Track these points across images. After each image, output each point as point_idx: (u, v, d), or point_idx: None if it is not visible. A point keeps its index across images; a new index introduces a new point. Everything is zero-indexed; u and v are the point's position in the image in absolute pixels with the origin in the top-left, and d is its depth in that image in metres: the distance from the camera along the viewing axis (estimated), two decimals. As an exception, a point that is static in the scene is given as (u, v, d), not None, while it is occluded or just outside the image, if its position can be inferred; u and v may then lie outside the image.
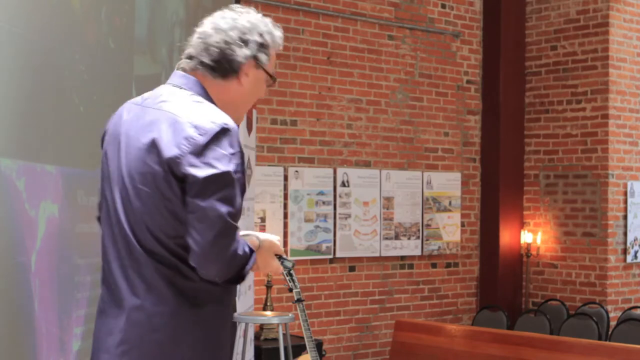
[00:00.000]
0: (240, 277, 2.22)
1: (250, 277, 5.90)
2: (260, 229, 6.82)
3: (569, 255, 8.26)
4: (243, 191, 2.21)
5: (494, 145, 8.47)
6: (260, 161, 6.93)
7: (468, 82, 8.48)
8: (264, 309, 6.34)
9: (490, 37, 8.54)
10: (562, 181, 8.35)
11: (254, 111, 6.17)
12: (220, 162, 2.13)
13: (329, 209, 7.46)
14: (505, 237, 8.44)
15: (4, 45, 2.46)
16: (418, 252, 8.05)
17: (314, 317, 7.31)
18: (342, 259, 7.57)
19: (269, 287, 6.46)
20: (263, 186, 6.98)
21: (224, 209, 2.11)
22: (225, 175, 2.13)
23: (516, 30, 8.61)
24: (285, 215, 7.19)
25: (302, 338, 5.45)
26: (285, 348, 5.40)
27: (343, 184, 7.56)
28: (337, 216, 7.50)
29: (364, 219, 7.68)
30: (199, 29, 2.34)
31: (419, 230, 8.06)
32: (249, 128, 5.81)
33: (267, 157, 7.12)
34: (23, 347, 2.56)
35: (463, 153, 8.45)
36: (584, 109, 8.20)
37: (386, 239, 7.81)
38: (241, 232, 2.25)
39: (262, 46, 2.32)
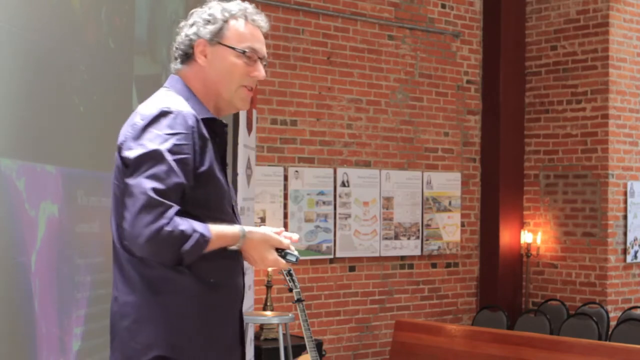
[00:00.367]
0: (181, 258, 2.16)
1: (250, 277, 5.89)
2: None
3: (569, 255, 8.26)
4: (186, 170, 2.18)
5: (494, 145, 8.47)
6: (260, 161, 6.93)
7: (468, 82, 8.48)
8: (264, 309, 6.35)
9: (490, 37, 8.54)
10: (562, 181, 8.35)
11: (254, 111, 6.17)
12: (153, 141, 2.17)
13: (329, 209, 7.46)
14: (505, 237, 8.44)
15: (4, 45, 2.46)
16: (418, 252, 8.05)
17: (314, 317, 7.31)
18: (342, 259, 7.57)
19: (269, 287, 6.46)
20: (263, 186, 6.98)
21: (149, 184, 2.12)
22: (153, 152, 2.15)
23: (516, 30, 8.61)
24: (285, 215, 7.19)
25: (302, 338, 5.45)
26: (285, 348, 5.40)
27: (343, 184, 7.56)
28: (337, 216, 7.50)
29: (364, 219, 7.68)
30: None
31: (418, 230, 8.06)
32: (249, 128, 5.81)
33: (267, 157, 7.12)
34: (23, 347, 2.56)
35: (463, 153, 8.45)
36: (584, 109, 8.20)
37: (386, 239, 7.81)
38: (235, 226, 2.26)
39: (208, 22, 2.36)
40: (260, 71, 2.39)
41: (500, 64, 8.47)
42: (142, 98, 2.43)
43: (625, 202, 8.13)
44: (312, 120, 7.42)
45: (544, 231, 8.42)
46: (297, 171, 7.28)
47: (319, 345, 6.27)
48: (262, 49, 2.40)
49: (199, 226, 2.16)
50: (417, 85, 8.10)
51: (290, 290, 5.44)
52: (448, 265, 8.32)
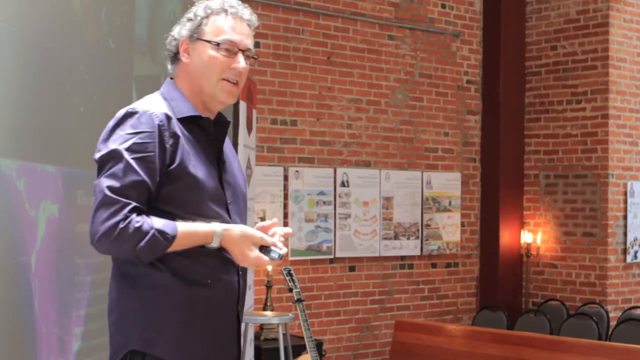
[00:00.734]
0: (138, 255, 2.17)
1: (250, 277, 5.89)
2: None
3: (569, 255, 8.26)
4: (148, 168, 2.19)
5: (494, 145, 8.47)
6: (260, 161, 6.93)
7: (468, 82, 8.48)
8: (264, 309, 6.34)
9: (490, 37, 8.54)
10: (562, 181, 8.35)
11: (254, 111, 6.17)
12: (115, 142, 2.21)
13: (329, 209, 7.46)
14: (505, 237, 8.44)
15: (4, 46, 2.46)
16: (417, 252, 8.05)
17: (314, 317, 7.31)
18: (342, 259, 7.57)
19: (269, 287, 6.46)
20: (263, 186, 6.98)
21: (105, 183, 2.16)
22: (113, 152, 2.19)
23: (516, 30, 8.61)
24: (286, 215, 7.19)
25: (302, 338, 5.45)
26: (285, 348, 5.40)
27: (343, 184, 7.56)
28: (337, 216, 7.50)
29: (364, 219, 7.68)
30: None
31: (418, 230, 8.06)
32: (249, 128, 5.81)
33: (267, 157, 7.12)
34: (23, 347, 2.56)
35: (463, 153, 8.45)
36: (584, 109, 8.20)
37: (386, 239, 7.81)
38: (211, 224, 2.25)
39: (190, 20, 2.39)
40: (240, 62, 2.37)
41: (500, 64, 8.46)
42: (142, 98, 2.43)
43: (625, 202, 8.13)
44: (312, 120, 7.42)
45: (544, 231, 8.42)
46: (297, 171, 7.28)
47: (319, 345, 6.27)
48: (244, 41, 2.39)
49: (161, 223, 2.18)
50: (417, 85, 8.10)
51: (290, 290, 5.43)
52: (448, 265, 8.32)
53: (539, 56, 8.55)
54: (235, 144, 5.34)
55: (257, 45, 7.06)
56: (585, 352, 5.94)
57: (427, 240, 8.12)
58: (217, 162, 2.41)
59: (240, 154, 5.36)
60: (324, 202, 7.44)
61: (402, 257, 7.98)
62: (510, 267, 8.46)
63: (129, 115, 2.25)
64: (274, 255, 2.30)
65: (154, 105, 2.30)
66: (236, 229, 2.28)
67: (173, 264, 2.24)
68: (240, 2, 2.44)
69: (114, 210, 2.13)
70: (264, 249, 2.30)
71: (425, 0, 8.16)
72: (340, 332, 7.57)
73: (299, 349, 5.71)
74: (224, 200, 2.37)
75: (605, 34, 8.05)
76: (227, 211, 2.37)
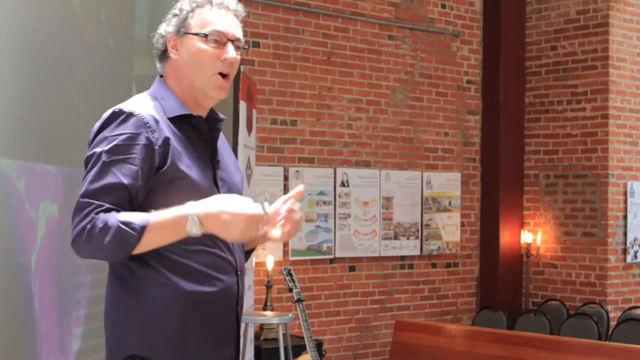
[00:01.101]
0: (109, 253, 2.11)
1: (250, 277, 5.89)
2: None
3: (569, 255, 8.26)
4: (130, 170, 2.13)
5: (494, 145, 8.47)
6: (260, 161, 6.93)
7: (468, 82, 8.48)
8: (264, 309, 6.34)
9: (490, 37, 8.54)
10: (562, 181, 8.35)
11: (254, 111, 6.17)
12: (99, 144, 2.17)
13: (329, 209, 7.46)
14: (505, 237, 8.44)
15: (4, 46, 2.46)
16: (417, 252, 8.05)
17: (314, 317, 7.31)
18: (342, 259, 7.57)
19: (269, 287, 6.46)
20: (263, 186, 6.98)
21: (82, 189, 2.14)
22: (93, 155, 2.16)
23: (516, 30, 8.61)
24: (285, 215, 7.17)
25: (302, 338, 5.45)
26: (285, 348, 5.40)
27: (343, 184, 7.56)
28: (337, 216, 7.50)
29: (364, 219, 7.68)
30: None
31: (418, 230, 8.06)
32: (249, 128, 5.81)
33: (267, 157, 7.12)
34: (23, 347, 2.56)
35: (463, 153, 8.45)
36: (584, 109, 8.20)
37: (385, 239, 7.81)
38: (180, 207, 2.11)
39: (175, 16, 2.34)
40: (230, 52, 2.29)
41: (500, 64, 8.47)
42: (131, 98, 2.42)
43: (625, 202, 8.13)
44: (312, 120, 7.42)
45: (544, 231, 8.42)
46: (297, 171, 7.28)
47: (319, 345, 6.27)
48: (232, 31, 2.31)
49: (128, 215, 2.10)
50: (417, 85, 8.10)
51: (290, 290, 5.44)
52: (448, 265, 8.32)
53: (539, 56, 8.56)
54: (235, 144, 5.34)
55: (257, 45, 7.07)
56: (585, 352, 5.94)
57: (427, 240, 8.12)
58: (211, 160, 2.35)
59: (240, 154, 5.36)
60: (324, 202, 7.44)
61: (402, 257, 7.98)
62: (510, 267, 8.46)
63: (115, 116, 2.20)
64: (261, 199, 2.15)
65: (141, 106, 2.24)
66: (210, 201, 2.12)
67: (171, 265, 2.19)
68: None
69: (83, 214, 2.09)
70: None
71: (425, 0, 8.16)
72: (340, 332, 7.57)
73: (299, 349, 5.71)
74: None
75: (605, 34, 8.05)
76: None
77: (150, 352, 2.20)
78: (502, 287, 8.39)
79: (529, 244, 8.39)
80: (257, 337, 6.36)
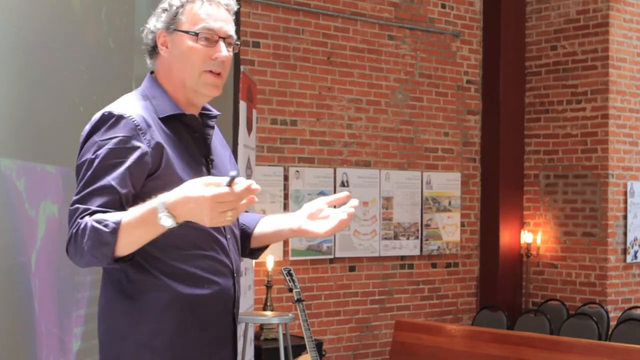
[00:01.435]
0: (90, 255, 2.02)
1: (250, 277, 5.89)
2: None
3: (569, 255, 8.26)
4: (122, 174, 2.06)
5: (494, 145, 8.47)
6: (260, 161, 6.93)
7: (468, 82, 8.48)
8: (264, 309, 6.34)
9: (490, 37, 8.54)
10: (562, 181, 8.35)
11: (254, 111, 6.17)
12: (89, 150, 2.11)
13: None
14: (505, 237, 8.44)
15: (4, 46, 2.46)
16: (417, 252, 8.05)
17: (314, 317, 7.31)
18: (342, 259, 7.57)
19: (269, 287, 6.46)
20: (263, 186, 6.97)
21: (73, 197, 2.08)
22: (82, 164, 2.10)
23: (516, 30, 8.61)
24: (285, 215, 7.17)
25: (302, 338, 5.45)
26: (285, 348, 5.40)
27: (343, 184, 7.55)
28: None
29: (364, 219, 7.68)
30: None
31: (418, 230, 8.06)
32: (249, 128, 5.81)
33: (267, 157, 7.12)
34: (23, 347, 2.56)
35: (463, 153, 8.45)
36: (584, 109, 8.20)
37: (385, 239, 7.81)
38: (152, 201, 1.99)
39: (165, 11, 2.26)
40: (221, 51, 2.22)
41: (500, 64, 8.47)
42: (121, 97, 2.38)
43: (625, 202, 8.13)
44: (312, 120, 7.42)
45: (544, 231, 8.42)
46: (297, 171, 7.28)
47: (319, 345, 6.27)
48: (224, 28, 2.24)
49: (103, 216, 2.01)
50: (417, 85, 8.10)
51: (290, 290, 5.43)
52: (448, 265, 8.32)
53: (539, 56, 8.56)
54: (235, 144, 5.34)
55: (257, 45, 7.07)
56: (585, 352, 5.94)
57: (427, 240, 8.12)
58: (205, 159, 2.28)
59: (240, 154, 5.37)
60: (324, 202, 7.42)
61: (402, 257, 7.98)
62: (510, 267, 8.46)
63: (104, 120, 2.13)
64: (232, 174, 1.89)
65: (131, 108, 2.16)
66: (177, 188, 1.96)
67: (167, 269, 2.14)
68: None
69: (72, 222, 2.04)
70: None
71: (425, 0, 8.16)
72: (340, 332, 7.57)
73: (299, 349, 5.71)
74: None
75: (605, 34, 8.05)
76: None
77: (145, 357, 2.16)
78: (502, 287, 8.39)
79: (529, 244, 8.39)
80: (257, 337, 6.35)
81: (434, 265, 8.21)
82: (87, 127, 2.16)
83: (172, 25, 2.24)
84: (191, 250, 2.19)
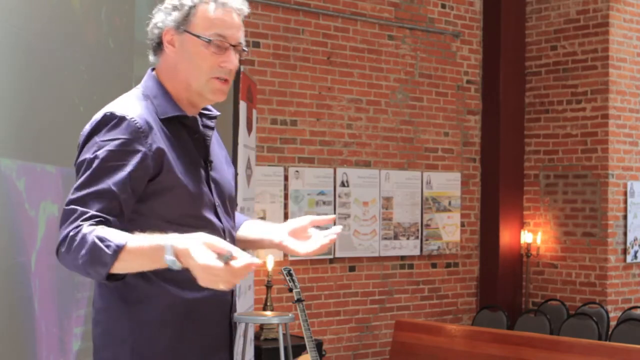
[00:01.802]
0: (84, 269, 1.97)
1: (250, 277, 5.89)
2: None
3: (569, 255, 8.26)
4: (121, 177, 2.02)
5: (494, 145, 8.47)
6: (260, 161, 6.93)
7: (468, 82, 8.48)
8: (264, 309, 6.34)
9: (490, 37, 8.54)
10: (562, 181, 8.35)
11: (254, 111, 6.17)
12: (89, 150, 2.06)
13: (329, 209, 7.46)
14: (505, 237, 8.44)
15: (4, 46, 2.46)
16: (417, 252, 8.05)
17: (314, 317, 7.31)
18: (342, 259, 7.57)
19: (269, 287, 6.46)
20: (263, 186, 6.98)
21: (70, 195, 2.02)
22: (84, 161, 2.05)
23: (516, 30, 8.61)
24: (286, 216, 7.18)
25: (302, 338, 5.45)
26: (285, 348, 5.40)
27: (343, 184, 7.55)
28: (337, 216, 7.49)
29: (364, 219, 7.68)
30: None
31: (418, 230, 8.06)
32: (249, 128, 5.81)
33: (267, 157, 7.12)
34: (23, 347, 2.56)
35: (463, 153, 8.45)
36: (584, 109, 8.20)
37: (385, 239, 7.81)
38: (161, 237, 1.94)
39: (175, 8, 2.19)
40: (232, 61, 2.19)
41: (500, 64, 8.47)
42: (122, 96, 2.35)
43: (625, 202, 8.13)
44: (312, 120, 7.42)
45: (544, 231, 8.42)
46: (297, 171, 7.28)
47: (319, 345, 6.27)
48: (235, 35, 2.19)
49: (108, 232, 1.94)
50: (417, 85, 8.10)
51: (290, 290, 5.43)
52: (448, 265, 8.32)
53: (539, 56, 8.56)
54: (235, 144, 5.34)
55: (257, 45, 7.07)
56: (585, 352, 5.94)
57: (427, 240, 8.12)
58: (204, 161, 2.25)
59: (240, 154, 5.36)
60: (324, 202, 7.44)
61: (402, 257, 7.98)
62: (510, 267, 8.46)
63: (107, 120, 2.08)
64: (225, 258, 1.88)
65: (132, 108, 2.12)
66: (187, 238, 1.91)
67: (165, 273, 2.03)
68: None
69: (68, 222, 1.97)
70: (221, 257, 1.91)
71: (425, 0, 8.16)
72: (340, 332, 7.57)
73: (299, 349, 5.71)
74: (212, 203, 2.22)
75: (605, 34, 8.05)
76: (216, 214, 2.23)
77: None
78: (502, 287, 8.39)
79: (529, 244, 8.39)
80: (257, 337, 6.35)
81: (434, 265, 8.21)
82: (88, 127, 2.12)
83: (183, 25, 2.18)
84: None
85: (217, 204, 2.25)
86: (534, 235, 8.41)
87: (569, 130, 8.29)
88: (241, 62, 2.41)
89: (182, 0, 2.19)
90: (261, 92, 6.99)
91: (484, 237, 8.51)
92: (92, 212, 1.98)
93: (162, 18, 2.22)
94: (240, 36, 2.23)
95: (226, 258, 1.86)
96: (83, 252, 1.93)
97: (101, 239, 1.92)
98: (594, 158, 8.10)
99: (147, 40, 2.27)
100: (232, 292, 2.29)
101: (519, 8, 8.61)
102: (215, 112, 2.36)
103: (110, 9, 3.31)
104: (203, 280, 1.88)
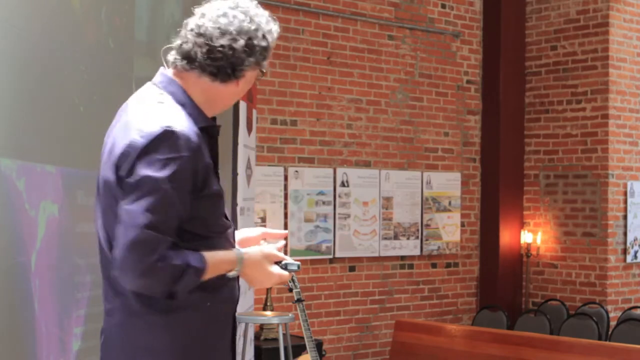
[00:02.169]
0: (173, 292, 2.07)
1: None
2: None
3: (569, 255, 8.26)
4: (184, 197, 2.06)
5: (494, 145, 8.47)
6: (260, 161, 6.93)
7: (468, 82, 8.48)
8: (264, 309, 6.34)
9: (490, 37, 8.54)
10: (562, 181, 8.35)
11: (254, 111, 6.17)
12: (151, 167, 2.02)
13: (329, 209, 7.46)
14: (505, 237, 8.44)
15: (3, 46, 2.46)
16: (417, 252, 8.05)
17: (314, 317, 7.31)
18: (342, 259, 7.57)
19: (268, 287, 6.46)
20: (263, 186, 6.98)
21: (142, 218, 1.99)
22: (149, 180, 2.01)
23: (516, 30, 8.61)
24: (286, 215, 7.19)
25: (302, 338, 5.45)
26: (285, 348, 5.40)
27: (342, 184, 7.56)
28: (337, 216, 7.50)
29: (364, 219, 7.68)
30: (194, 22, 2.19)
31: (418, 230, 8.06)
32: (249, 128, 5.81)
33: (267, 157, 7.12)
34: (23, 347, 2.56)
35: (463, 153, 8.45)
36: (584, 109, 8.20)
37: (385, 239, 7.81)
38: (232, 251, 2.20)
39: (265, 50, 2.22)
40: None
41: (500, 64, 8.47)
42: (161, 105, 2.34)
43: (625, 202, 8.13)
44: (312, 120, 7.42)
45: (544, 231, 8.42)
46: (297, 171, 7.28)
47: (319, 345, 6.27)
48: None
49: (192, 258, 2.06)
50: (417, 85, 8.10)
51: (290, 290, 5.43)
52: (448, 265, 8.32)
53: (539, 56, 8.56)
54: (235, 144, 5.33)
55: (257, 45, 7.05)
56: (585, 352, 5.94)
57: (427, 240, 8.12)
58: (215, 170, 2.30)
59: (240, 154, 5.36)
60: (324, 202, 7.44)
61: (402, 257, 7.98)
62: (510, 267, 8.46)
63: (166, 135, 2.05)
64: (293, 267, 2.29)
65: (182, 121, 2.11)
66: (254, 250, 2.25)
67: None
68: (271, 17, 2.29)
69: (150, 250, 1.99)
70: (279, 264, 2.28)
71: (425, 0, 8.16)
72: (340, 332, 7.57)
73: (299, 349, 5.71)
74: (225, 207, 2.30)
75: (605, 34, 8.05)
76: (226, 217, 2.30)
77: None
78: (502, 287, 8.39)
79: (529, 244, 8.39)
80: (257, 337, 6.35)
81: (434, 265, 8.21)
82: (142, 140, 2.06)
83: (262, 66, 2.25)
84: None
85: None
86: (534, 235, 8.41)
87: (569, 130, 8.29)
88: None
89: (269, 43, 2.23)
90: (261, 92, 6.99)
91: (484, 237, 8.51)
92: (168, 239, 2.03)
93: (252, 60, 2.21)
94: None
95: (285, 265, 2.28)
96: (180, 283, 2.05)
97: (197, 270, 2.08)
98: (594, 158, 8.10)
99: (208, 61, 2.18)
100: (238, 291, 2.36)
101: (519, 8, 8.61)
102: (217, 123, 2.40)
103: (110, 9, 3.31)
104: (260, 284, 2.29)
